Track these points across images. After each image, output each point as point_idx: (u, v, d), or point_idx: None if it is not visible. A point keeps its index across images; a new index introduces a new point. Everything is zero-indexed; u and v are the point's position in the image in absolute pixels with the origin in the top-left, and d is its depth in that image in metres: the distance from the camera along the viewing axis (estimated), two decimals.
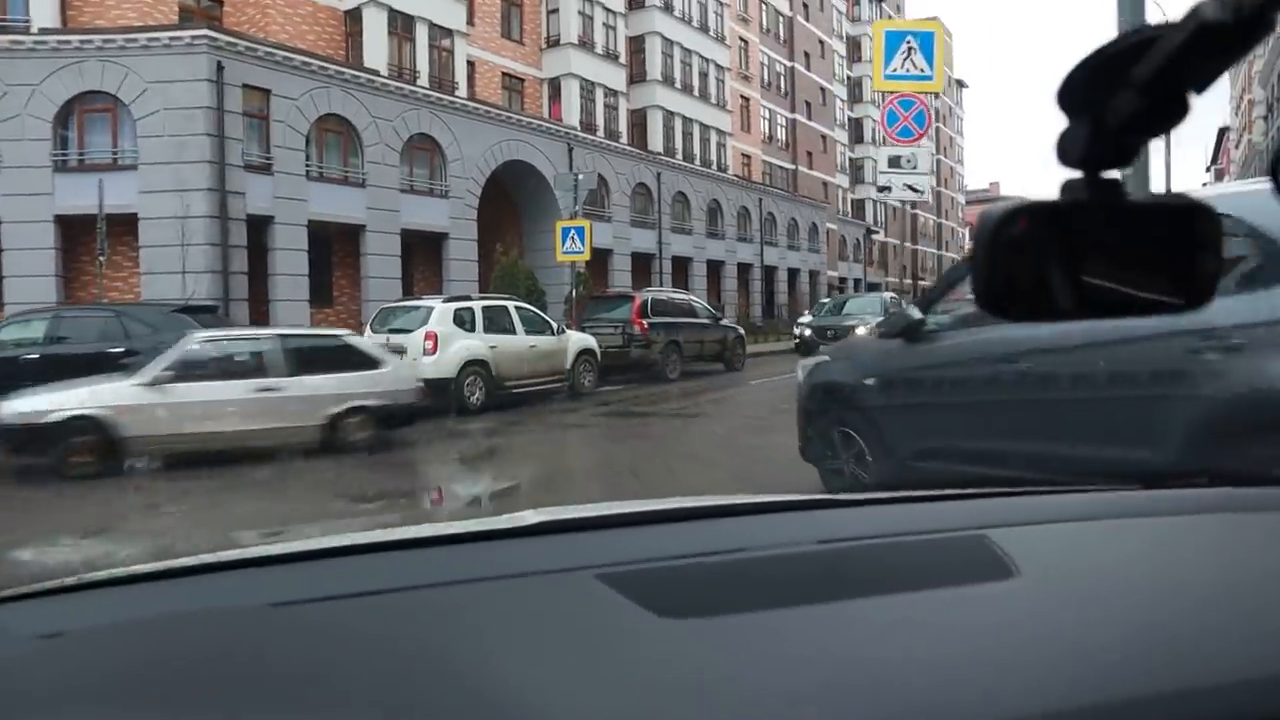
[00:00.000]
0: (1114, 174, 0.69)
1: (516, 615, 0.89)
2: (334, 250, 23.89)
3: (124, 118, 19.24)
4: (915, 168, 9.67)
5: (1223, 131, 63.88)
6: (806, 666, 0.79)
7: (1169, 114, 0.65)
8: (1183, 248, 0.73)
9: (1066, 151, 0.69)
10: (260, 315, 20.81)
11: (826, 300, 26.56)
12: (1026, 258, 0.70)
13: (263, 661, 0.80)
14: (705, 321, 18.87)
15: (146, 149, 18.95)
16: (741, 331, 20.23)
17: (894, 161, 9.93)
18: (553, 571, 0.98)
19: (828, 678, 0.78)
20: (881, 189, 10.19)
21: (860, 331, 16.21)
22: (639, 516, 1.20)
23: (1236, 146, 74.61)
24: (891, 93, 9.83)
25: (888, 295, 23.33)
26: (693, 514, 1.25)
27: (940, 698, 0.74)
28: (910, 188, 9.74)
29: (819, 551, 1.06)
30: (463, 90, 27.27)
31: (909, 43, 9.48)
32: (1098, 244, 0.71)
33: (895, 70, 9.62)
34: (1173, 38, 0.60)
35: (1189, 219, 0.73)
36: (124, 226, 18.95)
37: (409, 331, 12.55)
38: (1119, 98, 0.64)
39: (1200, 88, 0.63)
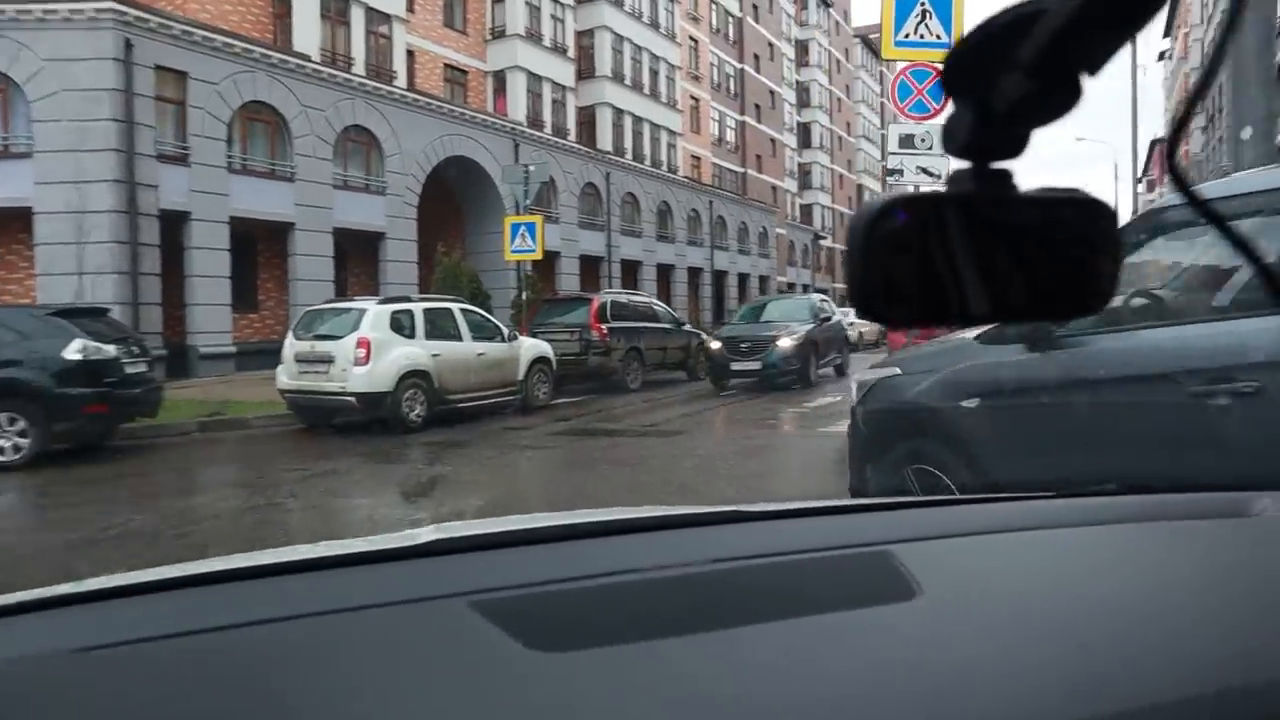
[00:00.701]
0: (1003, 165, 0.63)
1: (369, 652, 0.81)
2: (259, 250, 22.00)
3: (16, 99, 17.22)
4: (931, 148, 8.39)
5: (1154, 143, 64.91)
6: (692, 701, 0.73)
7: (1060, 99, 0.59)
8: (1079, 246, 0.67)
9: (952, 139, 0.63)
10: (175, 320, 18.89)
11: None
12: (907, 256, 0.63)
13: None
14: (668, 326, 17.46)
15: (43, 135, 16.95)
16: (704, 338, 18.86)
17: (906, 141, 8.64)
18: (420, 600, 0.91)
19: (715, 713, 0.72)
20: (890, 172, 8.90)
21: (786, 343, 14.74)
22: (534, 534, 1.15)
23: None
24: (902, 62, 8.54)
25: (816, 297, 18.77)
26: (585, 531, 1.18)
27: None
28: (924, 171, 8.43)
29: (711, 572, 1.00)
30: (402, 80, 25.57)
31: (923, 5, 8.20)
32: (986, 241, 0.64)
33: (907, 37, 8.34)
34: (1058, 13, 0.55)
35: (1086, 215, 0.67)
36: (19, 222, 17.00)
37: (338, 338, 10.89)
38: (1005, 80, 0.59)
39: (1093, 69, 0.58)
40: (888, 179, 9.05)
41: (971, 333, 4.10)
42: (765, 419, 11.26)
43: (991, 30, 0.59)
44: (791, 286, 53.30)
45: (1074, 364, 3.43)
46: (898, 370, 4.24)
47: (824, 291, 57.37)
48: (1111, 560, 1.10)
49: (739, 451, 8.46)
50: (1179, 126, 0.71)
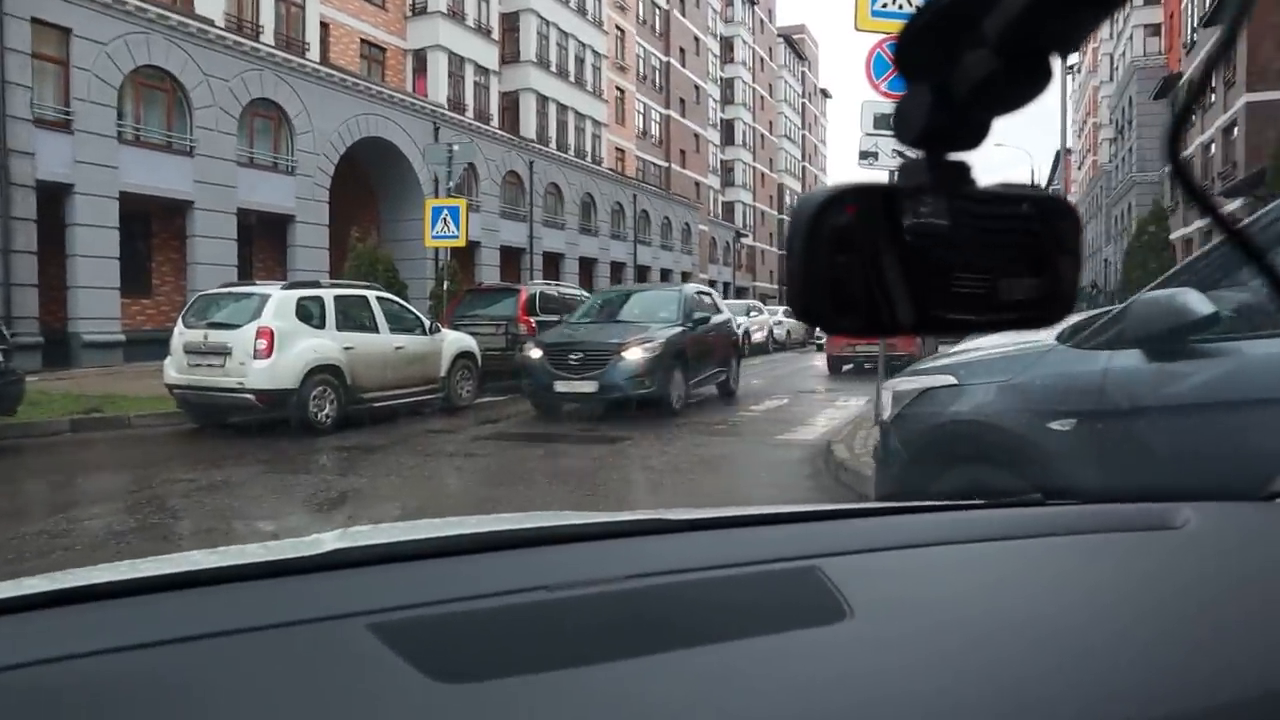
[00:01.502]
0: (960, 156, 0.58)
1: (257, 682, 0.74)
2: (154, 230, 20.28)
3: None
4: None
5: (1059, 154, 66.67)
6: None
7: (1028, 80, 0.55)
8: (1041, 248, 0.63)
9: (905, 125, 0.58)
10: (55, 304, 17.12)
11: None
12: (854, 255, 0.58)
13: None
14: None
15: None
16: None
17: (881, 121, 7.84)
18: (318, 620, 0.84)
19: None
20: (864, 155, 8.12)
21: (635, 355, 10.35)
22: (442, 544, 1.10)
23: (1080, 167, 78.45)
24: (878, 35, 7.75)
25: (692, 288, 13.48)
26: (496, 543, 1.12)
27: None
28: (901, 155, 7.65)
29: (628, 590, 0.95)
30: (315, 54, 23.99)
31: None
32: (940, 241, 0.59)
33: (885, 6, 7.57)
34: None
35: (1047, 215, 0.63)
36: None
37: (236, 327, 9.58)
38: (968, 58, 0.54)
39: (1065, 48, 0.54)
40: (860, 162, 8.25)
41: (1050, 332, 3.25)
42: (721, 419, 10.40)
43: (956, 0, 0.53)
44: (713, 284, 52.90)
45: (1219, 378, 2.61)
46: (951, 379, 3.37)
47: (744, 291, 57.44)
48: (1038, 574, 1.10)
49: (695, 461, 7.54)
50: (1179, 124, 0.65)
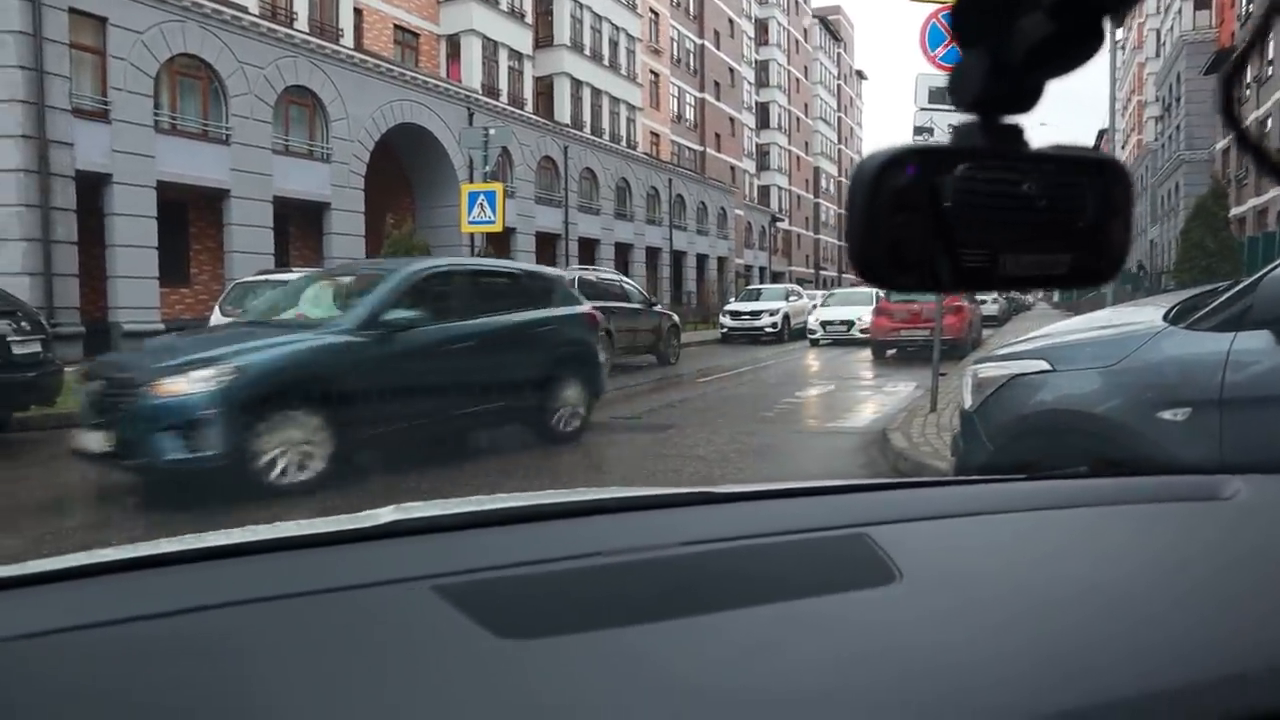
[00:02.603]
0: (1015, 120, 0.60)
1: (329, 638, 0.77)
2: (191, 218, 20.31)
3: None
4: None
5: (1101, 133, 65.20)
6: (660, 693, 0.70)
7: (1082, 42, 0.56)
8: (1094, 210, 0.64)
9: (961, 90, 0.60)
10: (95, 294, 17.18)
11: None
12: (913, 214, 0.59)
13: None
14: (638, 307, 16.15)
15: None
16: (676, 319, 17.65)
17: (937, 95, 7.49)
18: (382, 583, 0.87)
19: (684, 705, 0.68)
20: (919, 131, 7.77)
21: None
22: (498, 515, 1.11)
23: (1123, 147, 76.71)
24: (923, 9, 7.38)
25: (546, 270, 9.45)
26: (552, 512, 1.15)
27: None
28: (955, 129, 7.28)
29: (681, 555, 0.96)
30: (349, 40, 23.88)
31: None
32: (995, 201, 0.61)
33: None
34: None
35: (1099, 177, 0.65)
36: None
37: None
38: (1023, 22, 0.56)
39: (1118, 10, 0.56)
40: (915, 139, 7.89)
41: (1156, 311, 2.94)
42: (764, 403, 10.12)
43: None
44: (748, 269, 52.36)
45: None
46: (1044, 364, 3.06)
47: (780, 276, 56.63)
48: (1086, 543, 1.08)
49: (745, 452, 7.27)
50: (1236, 70, 0.65)
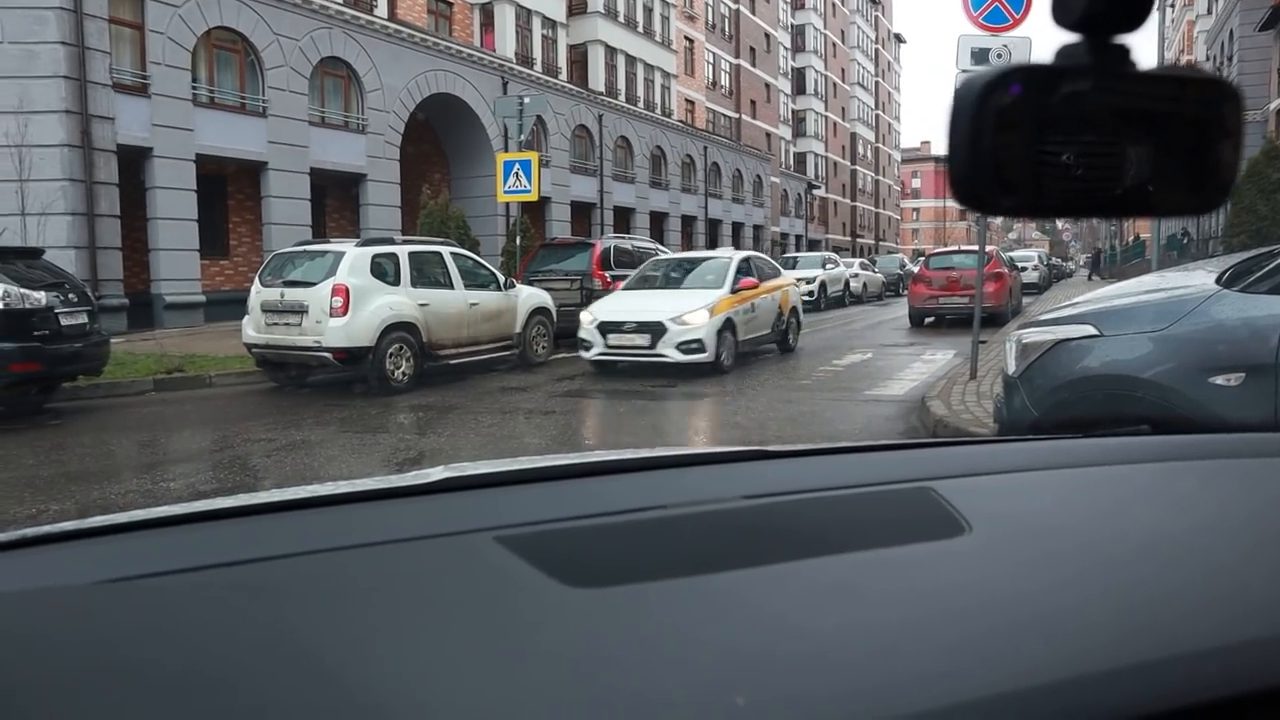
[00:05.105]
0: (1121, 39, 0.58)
1: (392, 587, 0.77)
2: (229, 191, 20.51)
3: None
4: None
5: None
6: (730, 639, 0.69)
7: None
8: (1202, 131, 0.62)
9: (1065, 9, 0.58)
10: (138, 267, 17.44)
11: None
12: (1018, 135, 0.58)
13: (83, 652, 0.65)
14: None
15: None
16: None
17: (980, 56, 7.30)
18: (442, 535, 0.87)
19: (755, 651, 0.68)
20: None
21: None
22: (552, 472, 1.10)
23: None
24: None
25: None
26: (607, 468, 1.13)
27: (890, 673, 0.65)
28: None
29: (746, 508, 0.96)
30: (383, 10, 23.84)
31: None
32: (1102, 122, 0.59)
33: None
34: None
35: (1208, 97, 0.62)
36: None
37: (312, 284, 9.53)
38: None
39: None
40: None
41: (1207, 275, 2.86)
42: (810, 370, 10.05)
43: None
44: (784, 237, 51.88)
45: None
46: (1091, 329, 3.00)
47: (816, 244, 56.08)
48: (1152, 498, 1.08)
49: (784, 420, 7.23)
50: None
